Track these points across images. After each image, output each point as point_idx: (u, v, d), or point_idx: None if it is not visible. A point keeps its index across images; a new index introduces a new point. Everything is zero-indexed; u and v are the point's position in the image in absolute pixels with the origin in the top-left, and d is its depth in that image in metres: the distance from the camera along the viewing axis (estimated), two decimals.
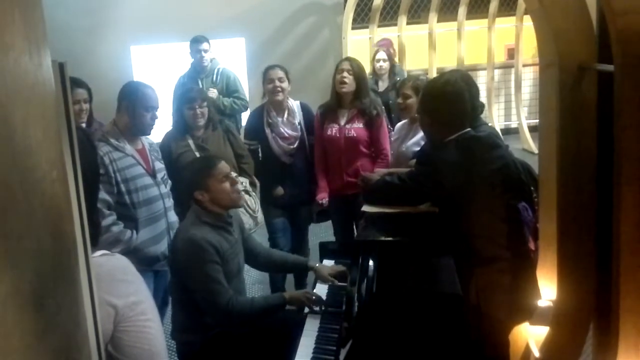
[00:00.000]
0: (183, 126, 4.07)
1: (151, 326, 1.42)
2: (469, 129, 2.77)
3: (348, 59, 4.23)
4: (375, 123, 4.11)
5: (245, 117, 5.97)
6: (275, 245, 4.35)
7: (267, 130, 4.25)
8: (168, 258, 3.20)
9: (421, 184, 2.76)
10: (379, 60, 6.14)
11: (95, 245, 1.41)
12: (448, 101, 2.74)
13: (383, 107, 5.62)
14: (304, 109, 4.37)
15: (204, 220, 2.97)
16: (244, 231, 3.33)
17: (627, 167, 2.05)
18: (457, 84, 2.78)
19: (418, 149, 3.74)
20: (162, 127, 3.94)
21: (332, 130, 4.13)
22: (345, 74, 4.01)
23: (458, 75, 2.98)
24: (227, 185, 3.00)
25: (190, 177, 3.06)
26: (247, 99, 6.08)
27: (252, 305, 2.96)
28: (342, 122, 4.11)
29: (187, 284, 2.92)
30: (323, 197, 4.20)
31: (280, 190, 4.27)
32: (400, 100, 3.95)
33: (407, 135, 3.94)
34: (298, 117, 4.30)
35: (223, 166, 3.06)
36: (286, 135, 4.25)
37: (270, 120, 4.26)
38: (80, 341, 0.89)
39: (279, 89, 4.17)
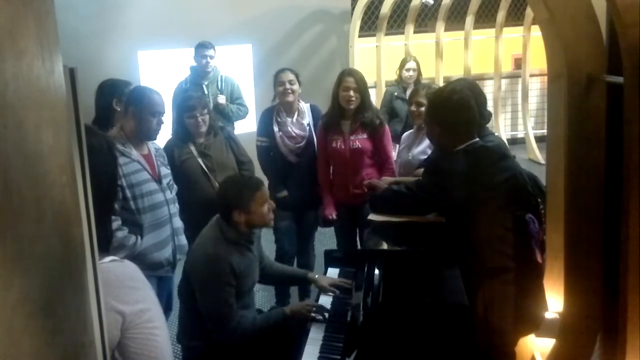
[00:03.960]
0: (184, 134, 4.07)
1: (158, 334, 1.41)
2: (477, 139, 2.77)
3: (351, 73, 4.20)
4: (379, 133, 4.11)
5: (238, 124, 6.06)
6: (281, 249, 4.36)
7: (275, 129, 4.31)
8: (185, 262, 3.19)
9: (429, 193, 2.75)
10: (409, 70, 6.21)
11: (107, 252, 1.41)
12: (455, 109, 2.73)
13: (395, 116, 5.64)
14: (314, 110, 4.42)
15: (228, 237, 2.96)
16: (259, 242, 3.33)
17: (636, 179, 2.04)
18: (463, 92, 2.78)
19: (424, 157, 3.74)
20: (164, 132, 3.95)
21: (337, 142, 4.14)
22: (351, 92, 4.02)
23: (464, 83, 2.98)
24: (265, 207, 3.03)
25: (233, 194, 3.00)
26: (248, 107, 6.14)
27: (254, 326, 2.96)
28: (347, 134, 4.12)
29: (198, 297, 2.92)
30: (331, 213, 4.21)
31: (284, 193, 4.28)
32: (413, 108, 3.96)
33: (413, 143, 3.94)
34: (307, 119, 4.35)
35: (265, 191, 3.10)
36: (293, 134, 4.29)
37: (279, 120, 4.32)
38: (88, 347, 0.89)
39: (289, 90, 4.23)
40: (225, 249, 2.93)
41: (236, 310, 2.90)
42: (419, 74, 6.33)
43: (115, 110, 3.82)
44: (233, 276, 2.90)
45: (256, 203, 2.98)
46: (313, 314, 2.94)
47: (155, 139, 3.52)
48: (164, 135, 4.10)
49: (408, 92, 6.14)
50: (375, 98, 8.09)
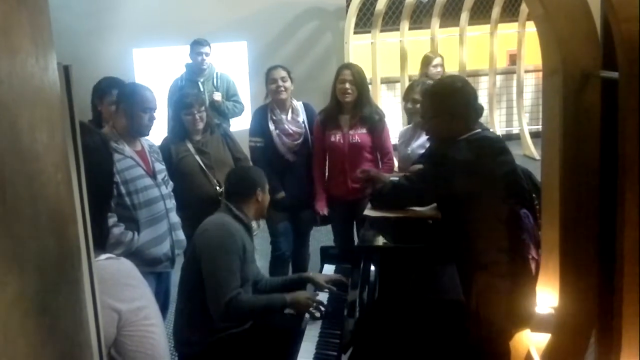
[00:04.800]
0: (181, 131, 4.06)
1: (155, 331, 1.41)
2: (479, 129, 2.77)
3: (348, 66, 4.19)
4: (378, 128, 4.11)
5: (234, 121, 6.06)
6: (277, 249, 4.35)
7: (272, 127, 4.25)
8: (189, 246, 3.22)
9: (431, 184, 2.73)
10: (436, 66, 6.24)
11: (103, 250, 1.41)
12: (462, 96, 2.74)
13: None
14: (307, 108, 4.39)
15: (236, 215, 3.09)
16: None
17: (631, 174, 2.05)
18: (465, 82, 2.81)
19: (423, 150, 3.73)
20: (159, 129, 3.94)
21: (336, 136, 4.12)
22: (347, 84, 4.01)
23: (460, 77, 3.00)
24: (268, 197, 3.29)
25: (257, 177, 3.27)
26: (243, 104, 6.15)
27: (255, 303, 2.97)
28: (345, 129, 4.10)
29: (202, 268, 2.93)
30: (323, 208, 4.20)
31: (281, 194, 4.27)
32: (409, 105, 3.94)
33: (412, 138, 3.94)
34: (302, 116, 4.32)
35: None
36: (290, 131, 4.26)
37: (274, 118, 4.27)
38: (84, 345, 0.89)
39: (282, 88, 4.19)
40: (236, 226, 3.04)
41: (238, 282, 2.92)
42: (444, 69, 6.39)
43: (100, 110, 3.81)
44: (242, 251, 2.97)
45: (266, 189, 3.26)
46: (312, 309, 2.95)
47: (147, 135, 3.52)
48: (160, 132, 4.10)
49: None
50: (372, 94, 8.10)
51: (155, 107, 3.47)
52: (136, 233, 3.24)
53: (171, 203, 3.52)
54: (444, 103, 2.77)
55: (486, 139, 2.76)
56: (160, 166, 3.53)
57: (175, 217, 3.54)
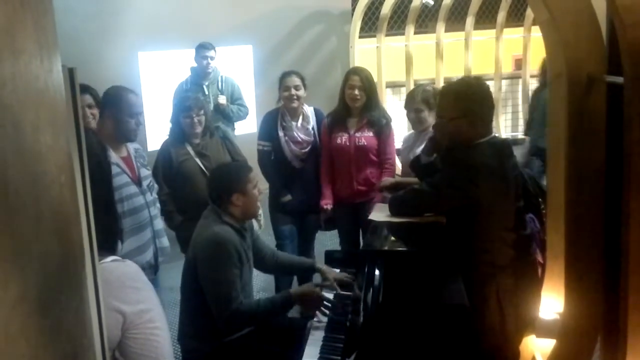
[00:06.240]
0: (181, 134, 4.08)
1: (158, 334, 1.41)
2: (494, 134, 2.74)
3: (356, 71, 4.18)
4: (384, 132, 4.11)
5: (239, 125, 6.09)
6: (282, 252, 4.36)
7: (281, 134, 4.26)
8: (186, 255, 3.17)
9: (457, 187, 2.63)
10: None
11: (111, 252, 1.42)
12: (486, 98, 2.71)
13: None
14: (318, 114, 4.39)
15: (226, 221, 2.99)
16: (253, 232, 3.32)
17: (636, 179, 2.04)
18: (486, 84, 2.79)
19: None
20: (160, 133, 3.91)
21: (342, 139, 4.13)
22: (356, 90, 4.02)
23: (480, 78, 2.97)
24: (256, 192, 3.10)
25: (230, 179, 3.07)
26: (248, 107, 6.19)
27: (258, 309, 2.95)
28: (352, 131, 4.11)
29: (201, 282, 2.92)
30: (327, 203, 4.20)
31: (287, 197, 4.27)
32: (412, 115, 3.91)
33: (415, 143, 3.93)
34: (312, 122, 4.32)
35: (255, 174, 3.15)
36: (299, 139, 4.26)
37: (284, 124, 4.27)
38: (86, 346, 0.89)
39: (295, 97, 4.19)
40: (227, 231, 2.96)
41: (239, 293, 2.90)
42: None
43: None
44: (237, 258, 2.92)
45: (251, 185, 3.05)
46: (319, 299, 2.93)
47: (134, 140, 3.44)
48: (159, 136, 4.10)
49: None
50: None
51: (142, 111, 3.39)
52: (119, 241, 3.18)
53: (155, 209, 3.46)
54: (469, 104, 2.67)
55: (504, 143, 2.75)
56: (145, 172, 3.46)
57: (159, 224, 3.49)
